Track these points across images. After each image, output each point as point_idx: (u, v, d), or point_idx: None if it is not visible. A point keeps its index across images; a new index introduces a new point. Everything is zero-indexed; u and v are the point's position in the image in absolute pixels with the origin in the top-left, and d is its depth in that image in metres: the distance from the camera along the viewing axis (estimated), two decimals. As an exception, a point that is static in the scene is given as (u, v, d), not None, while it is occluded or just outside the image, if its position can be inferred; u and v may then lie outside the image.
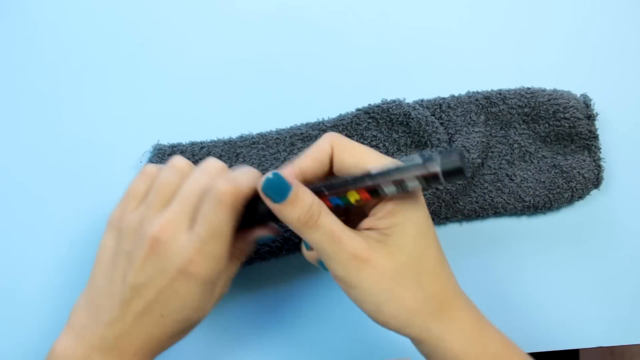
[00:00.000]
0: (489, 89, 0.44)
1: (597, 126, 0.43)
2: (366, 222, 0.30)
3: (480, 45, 0.47)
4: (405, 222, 0.29)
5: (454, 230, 0.44)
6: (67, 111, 0.45)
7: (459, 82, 0.45)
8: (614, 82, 0.46)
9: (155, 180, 0.33)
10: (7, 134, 0.44)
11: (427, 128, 0.42)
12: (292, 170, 0.30)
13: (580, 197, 0.43)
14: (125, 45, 0.46)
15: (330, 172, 0.32)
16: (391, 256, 0.29)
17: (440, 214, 0.42)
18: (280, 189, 0.29)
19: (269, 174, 0.29)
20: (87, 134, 0.44)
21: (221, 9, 0.47)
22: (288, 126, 0.44)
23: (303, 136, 0.43)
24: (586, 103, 0.43)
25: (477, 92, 0.44)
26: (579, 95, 0.44)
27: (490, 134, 0.43)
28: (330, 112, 0.44)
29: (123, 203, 0.33)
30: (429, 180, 0.27)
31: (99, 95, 0.45)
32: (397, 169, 0.27)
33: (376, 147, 0.43)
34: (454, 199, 0.42)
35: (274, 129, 0.43)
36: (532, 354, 0.43)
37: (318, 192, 0.30)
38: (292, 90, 0.45)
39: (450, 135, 0.43)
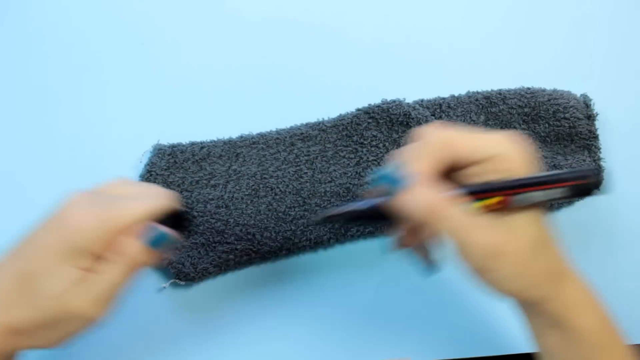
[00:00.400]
0: (489, 89, 0.44)
1: (597, 126, 0.43)
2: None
3: (480, 45, 0.47)
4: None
5: (454, 230, 0.44)
6: (68, 111, 0.45)
7: (459, 82, 0.45)
8: (614, 82, 0.46)
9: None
10: (7, 134, 0.44)
11: (427, 128, 0.42)
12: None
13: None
14: (125, 46, 0.46)
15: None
16: (513, 237, 0.29)
17: (440, 214, 0.42)
18: (394, 182, 0.28)
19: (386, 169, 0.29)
20: (87, 134, 0.44)
21: (221, 10, 0.47)
22: (288, 126, 0.44)
23: (303, 136, 0.43)
24: (586, 103, 0.43)
25: (477, 92, 0.44)
26: (579, 95, 0.44)
27: (490, 134, 0.43)
28: (330, 112, 0.44)
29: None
30: (577, 191, 0.28)
31: (99, 95, 0.45)
32: (553, 175, 0.28)
33: (376, 147, 0.43)
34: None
35: (274, 129, 0.43)
36: (532, 354, 0.43)
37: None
38: (292, 90, 0.45)
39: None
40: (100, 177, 0.43)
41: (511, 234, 0.29)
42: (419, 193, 0.28)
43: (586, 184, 0.28)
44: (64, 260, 0.30)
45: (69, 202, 0.31)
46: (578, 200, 0.44)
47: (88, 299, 0.31)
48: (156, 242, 0.32)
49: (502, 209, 0.29)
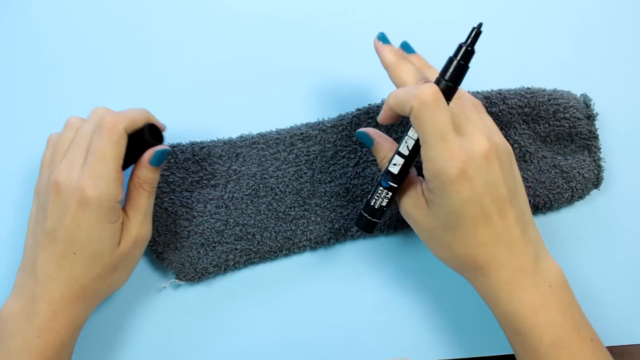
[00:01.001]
0: (489, 89, 0.44)
1: (597, 126, 0.43)
2: (424, 184, 0.35)
3: (480, 45, 0.47)
4: (440, 202, 0.33)
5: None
6: (67, 111, 0.44)
7: (459, 82, 0.45)
8: (614, 82, 0.46)
9: (57, 143, 0.37)
10: (7, 134, 0.44)
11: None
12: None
13: (580, 197, 0.43)
14: (125, 45, 0.46)
15: None
16: (428, 218, 0.35)
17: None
18: (366, 140, 0.39)
19: (361, 129, 0.39)
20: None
21: (221, 9, 0.47)
22: (288, 126, 0.44)
23: (303, 136, 0.43)
24: (586, 103, 0.43)
25: (477, 92, 0.44)
26: (579, 95, 0.44)
27: (490, 134, 0.43)
28: (330, 112, 0.44)
29: (39, 174, 0.38)
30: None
31: (99, 95, 0.45)
32: None
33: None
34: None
35: (274, 129, 0.43)
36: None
37: None
38: (292, 90, 0.45)
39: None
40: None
41: (426, 210, 0.35)
42: (377, 152, 0.38)
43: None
44: (103, 223, 0.35)
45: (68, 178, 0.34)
46: (578, 200, 0.44)
47: (130, 235, 0.37)
48: (159, 159, 0.37)
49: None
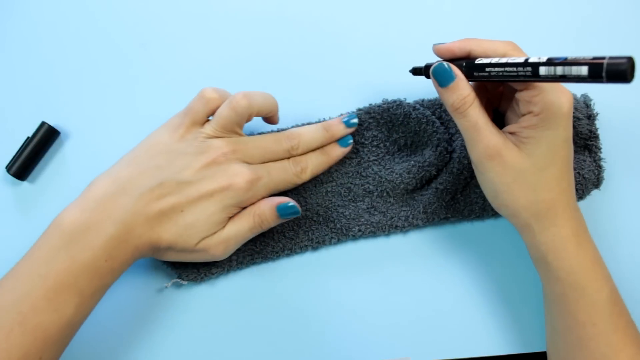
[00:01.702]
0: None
1: (597, 126, 0.43)
2: (511, 127, 0.35)
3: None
4: (541, 137, 0.33)
5: (453, 231, 0.44)
6: (67, 111, 0.45)
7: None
8: (614, 82, 0.46)
9: (213, 108, 0.38)
10: (8, 134, 0.44)
11: (428, 128, 0.42)
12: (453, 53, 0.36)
13: (581, 197, 0.43)
14: (125, 46, 0.46)
15: None
16: (519, 158, 0.34)
17: (440, 214, 0.42)
18: (445, 76, 0.35)
19: (443, 62, 0.36)
20: (87, 134, 0.44)
21: (221, 9, 0.47)
22: (289, 126, 0.44)
23: (304, 136, 0.43)
24: (586, 103, 0.43)
25: (478, 92, 0.44)
26: (579, 95, 0.44)
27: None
28: (331, 112, 0.44)
29: (187, 117, 0.38)
30: (592, 71, 0.28)
31: (98, 95, 0.45)
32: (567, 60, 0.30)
33: (377, 146, 0.43)
34: (454, 199, 0.42)
35: (275, 129, 0.43)
36: (532, 354, 0.43)
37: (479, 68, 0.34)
38: (293, 90, 0.45)
39: (450, 135, 0.43)
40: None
41: (515, 149, 0.34)
42: (455, 91, 0.35)
43: (599, 64, 0.28)
44: (223, 210, 0.37)
45: (236, 170, 0.37)
46: (578, 200, 0.44)
47: (217, 241, 0.38)
48: (286, 212, 0.39)
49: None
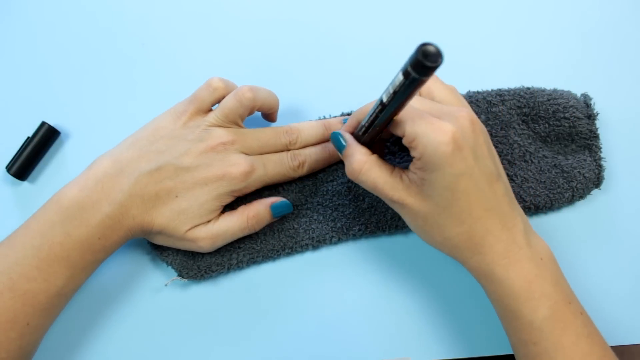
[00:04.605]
0: (489, 89, 0.44)
1: (597, 125, 0.43)
2: (411, 166, 0.35)
3: (480, 45, 0.47)
4: (432, 179, 0.33)
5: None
6: (67, 111, 0.45)
7: (459, 82, 0.45)
8: (614, 82, 0.46)
9: (218, 98, 0.39)
10: (8, 134, 0.44)
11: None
12: (351, 125, 0.38)
13: (581, 197, 0.43)
14: (126, 46, 0.46)
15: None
16: (422, 203, 0.34)
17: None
18: (338, 144, 0.37)
19: (335, 131, 0.38)
20: (87, 134, 0.44)
21: (222, 10, 0.47)
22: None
23: (305, 135, 0.43)
24: (586, 103, 0.43)
25: (477, 92, 0.44)
26: (579, 95, 0.44)
27: (491, 134, 0.43)
28: (331, 112, 0.44)
29: (192, 104, 0.39)
30: (416, 69, 0.28)
31: (98, 94, 0.45)
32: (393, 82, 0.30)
33: (377, 146, 0.43)
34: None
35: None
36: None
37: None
38: (292, 90, 0.45)
39: None
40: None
41: (418, 194, 0.34)
42: (348, 160, 0.36)
43: (416, 62, 0.28)
44: (216, 199, 0.38)
45: (232, 160, 0.38)
46: (578, 200, 0.44)
47: (207, 234, 0.38)
48: (280, 210, 0.40)
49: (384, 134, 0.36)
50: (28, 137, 0.43)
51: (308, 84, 0.46)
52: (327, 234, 0.42)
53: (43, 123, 0.43)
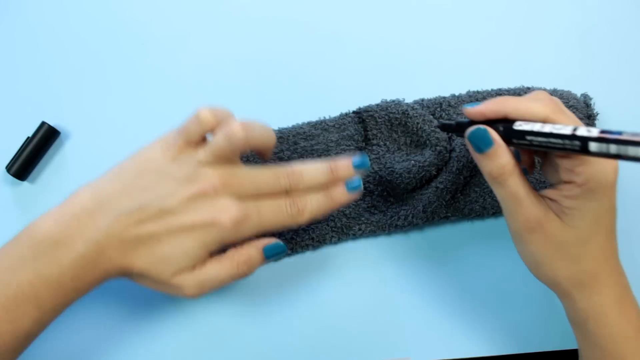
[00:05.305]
0: (489, 89, 0.44)
1: (597, 126, 0.43)
2: (552, 193, 0.33)
3: (480, 45, 0.47)
4: (585, 209, 0.31)
5: (453, 230, 0.44)
6: (67, 111, 0.45)
7: (459, 82, 0.45)
8: (614, 82, 0.46)
9: (208, 130, 0.36)
10: (8, 134, 0.44)
11: (426, 127, 0.42)
12: (485, 113, 0.33)
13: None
14: (126, 45, 0.46)
15: None
16: (561, 230, 0.32)
17: (440, 213, 0.42)
18: (483, 142, 0.32)
19: (480, 126, 0.33)
20: (87, 134, 0.44)
21: (222, 9, 0.47)
22: (290, 125, 0.44)
23: (306, 135, 0.43)
24: (586, 103, 0.43)
25: (477, 92, 0.44)
26: (579, 95, 0.44)
27: (491, 134, 0.43)
28: (330, 112, 0.44)
29: (181, 136, 0.35)
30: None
31: (98, 94, 0.45)
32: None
33: (377, 145, 0.43)
34: (454, 198, 0.42)
35: (275, 128, 0.43)
36: (532, 354, 0.43)
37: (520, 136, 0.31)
38: (293, 90, 0.45)
39: (450, 134, 0.43)
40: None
41: (557, 220, 0.32)
42: (494, 160, 0.32)
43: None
44: (203, 247, 0.34)
45: (223, 205, 0.34)
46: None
47: (193, 282, 0.34)
48: (273, 253, 0.37)
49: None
50: (28, 137, 0.43)
51: (308, 84, 0.46)
52: (326, 233, 0.42)
53: (43, 123, 0.43)
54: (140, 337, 0.41)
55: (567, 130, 0.28)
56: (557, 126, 0.29)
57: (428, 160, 0.41)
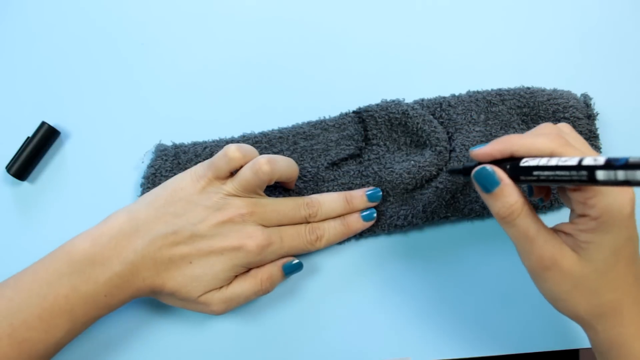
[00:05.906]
0: (489, 89, 0.44)
1: (597, 126, 0.43)
2: (567, 227, 0.32)
3: (480, 45, 0.47)
4: (602, 242, 0.31)
5: (453, 230, 0.44)
6: (67, 111, 0.45)
7: (459, 82, 0.45)
8: (614, 82, 0.46)
9: (235, 167, 0.38)
10: (8, 134, 0.44)
11: (426, 127, 0.42)
12: (492, 154, 0.32)
13: (581, 197, 0.43)
14: (126, 45, 0.46)
15: None
16: (578, 265, 0.31)
17: (440, 213, 0.42)
18: (489, 181, 0.32)
19: (486, 165, 0.32)
20: (87, 134, 0.44)
21: (222, 9, 0.47)
22: (290, 125, 0.44)
23: (306, 135, 0.43)
24: (586, 103, 0.43)
25: (477, 92, 0.44)
26: (579, 95, 0.44)
27: (491, 134, 0.43)
28: (331, 112, 0.44)
29: (210, 170, 0.38)
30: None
31: (98, 95, 0.45)
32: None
33: (377, 145, 0.43)
34: (454, 198, 0.42)
35: (276, 128, 0.43)
36: (532, 354, 0.43)
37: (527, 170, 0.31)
38: (293, 90, 0.45)
39: (450, 134, 0.43)
40: (102, 177, 0.43)
41: (573, 255, 0.31)
42: (501, 200, 0.32)
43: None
44: (231, 269, 0.37)
45: (250, 232, 0.38)
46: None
47: (220, 299, 0.38)
48: (291, 270, 0.40)
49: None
50: (28, 137, 0.43)
51: (308, 84, 0.46)
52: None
53: (43, 123, 0.43)
54: (141, 336, 0.41)
55: (573, 161, 0.28)
56: (563, 158, 0.29)
57: (428, 160, 0.41)
